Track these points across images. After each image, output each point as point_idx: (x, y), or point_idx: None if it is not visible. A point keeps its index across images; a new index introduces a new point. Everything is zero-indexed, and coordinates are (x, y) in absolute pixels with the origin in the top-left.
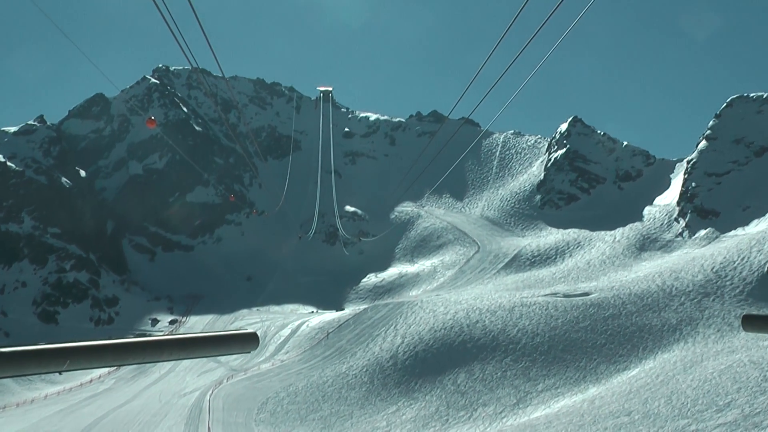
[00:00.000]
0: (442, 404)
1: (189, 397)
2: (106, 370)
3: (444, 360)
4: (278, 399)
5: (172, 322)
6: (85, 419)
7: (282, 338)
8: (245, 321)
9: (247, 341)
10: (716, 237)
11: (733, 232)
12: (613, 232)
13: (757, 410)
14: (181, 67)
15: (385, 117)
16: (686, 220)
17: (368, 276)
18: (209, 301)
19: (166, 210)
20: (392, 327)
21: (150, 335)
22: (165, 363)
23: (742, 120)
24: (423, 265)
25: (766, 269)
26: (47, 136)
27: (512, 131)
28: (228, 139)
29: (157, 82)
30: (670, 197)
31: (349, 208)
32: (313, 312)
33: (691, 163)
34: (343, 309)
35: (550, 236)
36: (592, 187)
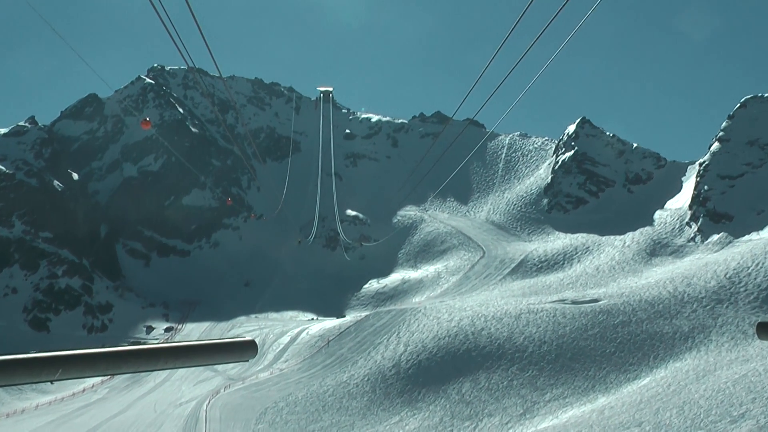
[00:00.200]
0: (446, 414)
1: (185, 407)
2: (99, 379)
3: (448, 369)
4: (277, 409)
5: (167, 330)
6: (78, 430)
7: (281, 346)
8: (243, 328)
9: (245, 349)
10: (729, 242)
11: (747, 237)
12: (622, 236)
13: None
14: (176, 67)
15: (388, 118)
16: (698, 224)
17: (370, 282)
18: (206, 308)
19: (161, 214)
20: (395, 335)
21: (145, 343)
22: (160, 372)
23: (756, 121)
24: (426, 270)
25: None
26: (39, 137)
27: (518, 133)
28: (225, 140)
29: (152, 82)
30: (681, 201)
31: (350, 212)
32: (313, 319)
33: (704, 165)
34: (344, 316)
35: (557, 241)
36: (601, 190)
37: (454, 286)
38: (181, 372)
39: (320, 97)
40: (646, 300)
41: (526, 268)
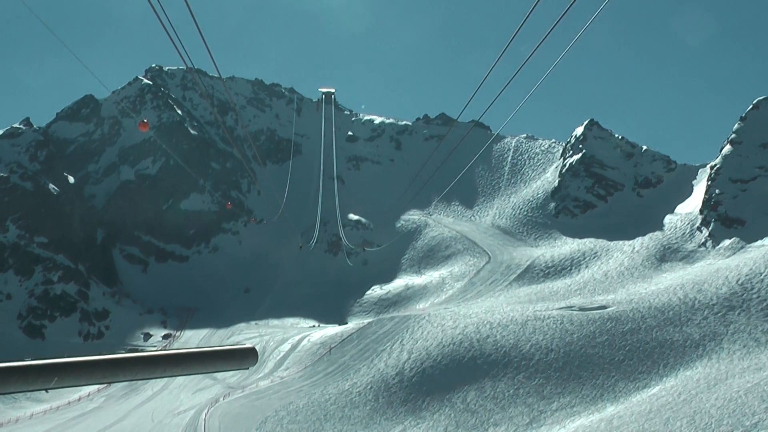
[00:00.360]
0: (451, 423)
1: (183, 416)
2: (95, 387)
3: (453, 377)
4: (278, 418)
5: (165, 337)
6: None
7: (282, 354)
8: (243, 335)
9: (245, 357)
10: (741, 247)
11: (759, 242)
12: (631, 241)
13: None
14: (175, 68)
15: (391, 120)
16: (709, 229)
17: (373, 288)
18: (205, 315)
19: (159, 218)
20: (398, 342)
21: (142, 350)
22: (158, 380)
23: None
24: (431, 276)
25: None
26: (34, 139)
27: (525, 135)
28: (225, 142)
29: (150, 82)
30: (692, 205)
31: (352, 216)
32: (314, 326)
33: (715, 168)
34: (346, 323)
35: (565, 246)
36: (609, 194)
37: (458, 292)
38: (180, 380)
39: (322, 99)
40: (656, 307)
41: (532, 273)
